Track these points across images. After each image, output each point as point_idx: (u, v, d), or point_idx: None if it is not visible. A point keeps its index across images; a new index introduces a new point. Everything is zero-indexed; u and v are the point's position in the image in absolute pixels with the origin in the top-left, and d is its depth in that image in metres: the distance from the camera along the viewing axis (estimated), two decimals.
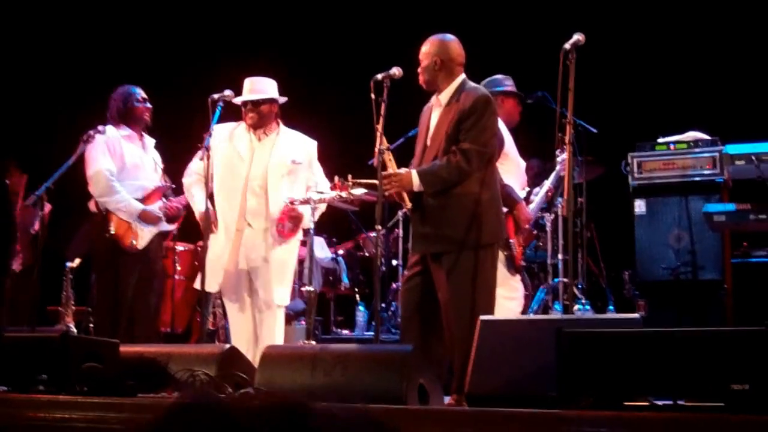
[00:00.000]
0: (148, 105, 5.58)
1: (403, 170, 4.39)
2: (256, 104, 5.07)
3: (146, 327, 5.44)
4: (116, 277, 5.37)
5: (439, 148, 4.39)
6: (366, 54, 7.10)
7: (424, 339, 4.25)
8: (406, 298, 4.46)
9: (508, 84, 5.51)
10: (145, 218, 5.42)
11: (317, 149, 5.26)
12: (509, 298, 5.08)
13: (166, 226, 5.58)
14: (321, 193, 4.80)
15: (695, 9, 7.31)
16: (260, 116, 5.10)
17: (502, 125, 5.09)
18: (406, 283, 4.50)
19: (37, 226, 5.65)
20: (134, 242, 5.39)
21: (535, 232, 5.44)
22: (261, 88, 5.13)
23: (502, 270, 4.85)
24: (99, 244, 5.44)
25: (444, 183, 4.34)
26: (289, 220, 5.02)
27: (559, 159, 5.57)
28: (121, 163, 5.46)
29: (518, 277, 5.27)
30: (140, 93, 5.58)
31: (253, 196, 5.05)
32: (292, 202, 4.94)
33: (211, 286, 5.07)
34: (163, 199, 5.55)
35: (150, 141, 5.67)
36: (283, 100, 5.18)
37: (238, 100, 5.09)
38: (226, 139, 5.14)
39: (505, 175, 5.04)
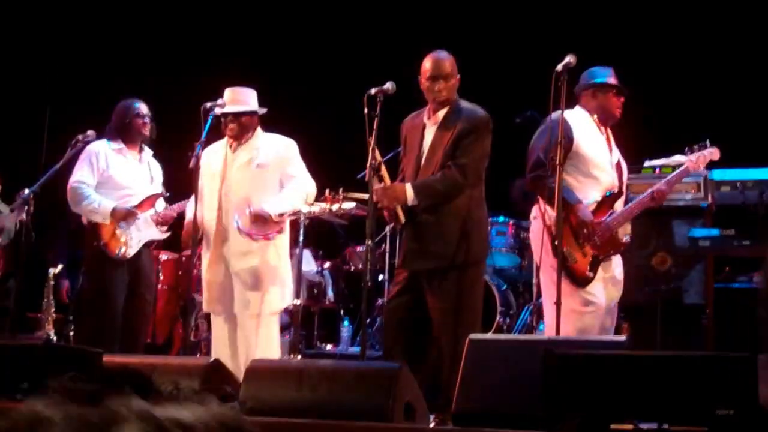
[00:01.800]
0: (147, 120, 5.54)
1: (397, 184, 4.38)
2: (236, 116, 5.04)
3: (138, 338, 5.39)
4: (105, 287, 5.34)
5: (437, 167, 4.40)
6: (359, 67, 7.10)
7: (407, 356, 4.24)
8: (391, 314, 4.45)
9: (605, 75, 4.89)
10: (117, 215, 5.35)
11: (310, 152, 5.18)
12: (586, 312, 4.52)
13: (157, 235, 5.53)
14: (311, 205, 4.77)
15: (685, 34, 7.37)
16: (240, 127, 5.04)
17: (583, 123, 4.73)
18: (392, 299, 4.48)
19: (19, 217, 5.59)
20: (122, 250, 5.35)
21: (626, 239, 4.68)
22: (242, 99, 5.08)
23: (571, 290, 4.48)
24: (89, 254, 5.42)
25: (439, 196, 4.34)
26: (253, 222, 4.90)
27: (691, 156, 4.96)
28: (103, 176, 5.44)
29: (597, 287, 4.56)
30: (141, 108, 5.55)
31: (228, 208, 5.01)
32: (281, 215, 4.90)
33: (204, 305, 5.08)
34: (156, 208, 5.51)
35: (148, 154, 5.63)
36: (262, 111, 5.13)
37: (218, 112, 5.04)
38: (208, 156, 5.11)
39: (577, 174, 4.64)
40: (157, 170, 5.68)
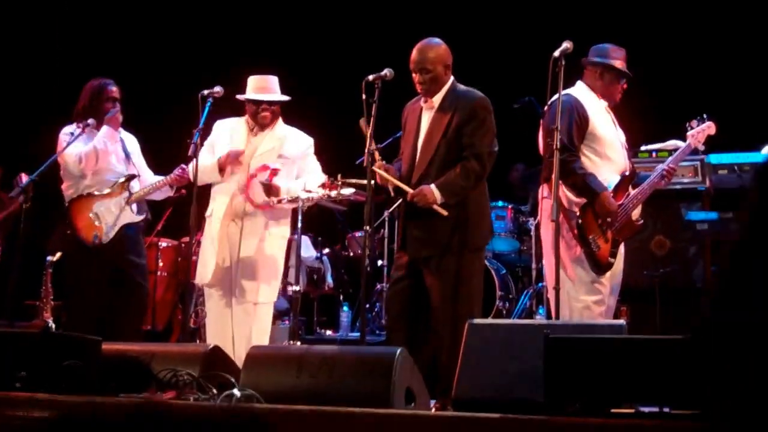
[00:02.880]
0: (117, 105, 5.44)
1: (423, 187, 4.37)
2: (270, 104, 5.09)
3: (128, 323, 5.36)
4: (83, 274, 5.31)
5: (437, 152, 4.41)
6: (356, 54, 7.08)
7: (409, 342, 4.23)
8: (393, 298, 4.47)
9: (615, 57, 4.85)
10: (107, 133, 5.31)
11: (315, 146, 5.22)
12: (597, 303, 4.57)
13: (133, 218, 5.45)
14: (309, 192, 4.77)
15: (681, 19, 7.36)
16: (273, 115, 5.12)
17: (592, 102, 4.71)
18: (393, 285, 4.49)
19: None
20: (98, 236, 5.31)
21: (640, 222, 4.74)
22: (273, 87, 5.14)
23: (582, 272, 4.54)
24: (65, 243, 5.40)
25: (464, 191, 4.38)
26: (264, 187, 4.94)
27: (692, 131, 5.00)
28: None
29: (606, 276, 4.60)
30: (111, 92, 5.44)
31: (241, 192, 5.03)
32: (279, 201, 4.91)
33: (202, 278, 5.03)
34: (130, 189, 5.44)
35: (117, 133, 5.49)
36: (287, 99, 5.19)
37: (244, 97, 5.07)
38: (228, 134, 5.14)
39: (593, 156, 4.64)
40: (132, 145, 5.61)
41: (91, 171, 5.38)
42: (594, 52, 4.83)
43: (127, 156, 5.53)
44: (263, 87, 5.10)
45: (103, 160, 5.38)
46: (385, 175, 4.41)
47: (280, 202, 4.93)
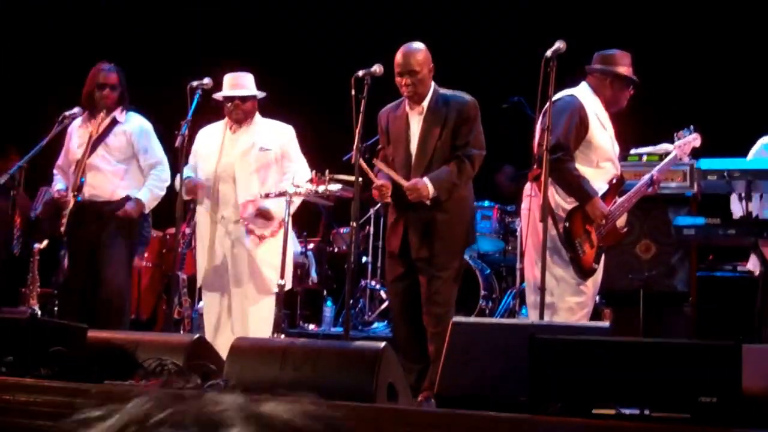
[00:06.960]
0: (106, 92, 5.24)
1: (417, 181, 4.45)
2: (243, 100, 5.06)
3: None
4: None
5: (434, 157, 4.51)
6: (346, 49, 7.09)
7: (411, 337, 4.43)
8: (394, 298, 4.66)
9: (624, 64, 4.76)
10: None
11: (296, 135, 5.19)
12: (580, 305, 4.57)
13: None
14: (297, 186, 4.77)
15: (672, 23, 7.39)
16: (245, 112, 5.08)
17: (595, 109, 4.64)
18: (392, 284, 4.65)
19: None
20: (62, 228, 5.28)
21: (625, 230, 4.80)
22: (245, 83, 5.13)
23: (567, 273, 4.53)
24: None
25: (455, 189, 4.52)
26: (257, 216, 4.97)
27: (679, 142, 5.02)
28: (65, 153, 5.37)
29: (591, 281, 4.60)
30: (102, 77, 5.25)
31: (225, 187, 5.04)
32: (267, 195, 4.91)
33: (199, 280, 5.11)
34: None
35: (121, 125, 5.35)
36: (262, 95, 5.18)
37: (220, 95, 5.06)
38: (205, 140, 5.17)
39: (584, 164, 4.58)
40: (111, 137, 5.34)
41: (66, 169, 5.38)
42: (601, 59, 4.78)
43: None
44: (234, 84, 5.09)
45: (72, 159, 5.35)
46: (385, 168, 4.50)
47: (267, 196, 4.93)
